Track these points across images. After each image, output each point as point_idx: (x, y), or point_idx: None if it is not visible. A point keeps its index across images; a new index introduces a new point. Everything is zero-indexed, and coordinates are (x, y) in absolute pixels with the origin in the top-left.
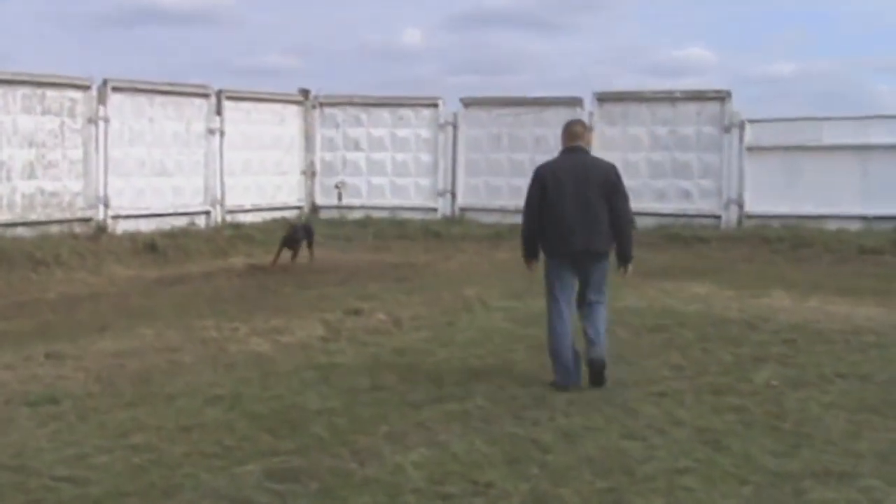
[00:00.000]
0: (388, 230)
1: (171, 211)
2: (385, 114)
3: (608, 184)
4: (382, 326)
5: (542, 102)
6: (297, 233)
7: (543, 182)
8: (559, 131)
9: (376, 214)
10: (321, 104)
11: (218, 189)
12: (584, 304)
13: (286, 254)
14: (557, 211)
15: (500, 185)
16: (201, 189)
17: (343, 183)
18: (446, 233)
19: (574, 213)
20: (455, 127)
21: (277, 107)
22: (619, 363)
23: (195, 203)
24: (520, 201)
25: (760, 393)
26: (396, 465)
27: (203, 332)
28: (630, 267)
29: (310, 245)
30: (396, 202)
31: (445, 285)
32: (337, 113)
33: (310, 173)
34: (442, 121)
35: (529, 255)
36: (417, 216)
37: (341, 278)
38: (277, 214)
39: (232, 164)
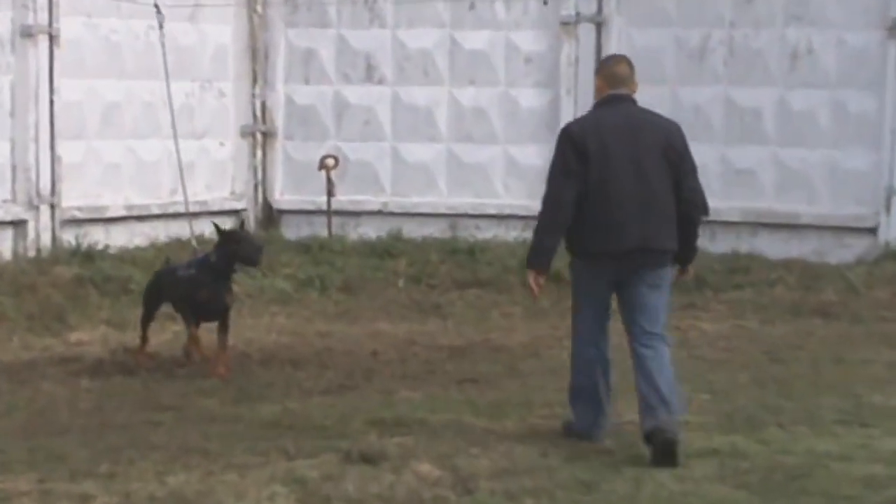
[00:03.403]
0: (443, 266)
1: None
2: None
3: (672, 150)
4: (429, 492)
5: None
6: (197, 287)
7: (583, 147)
8: (855, 38)
9: (414, 229)
10: None
11: (44, 170)
12: (634, 342)
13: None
14: (605, 190)
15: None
16: (5, 168)
17: (335, 159)
18: None
19: (628, 194)
20: (600, 27)
21: None
22: None
23: None
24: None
25: None
26: None
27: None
28: (691, 269)
29: (218, 311)
30: (462, 202)
31: None
32: None
33: (259, 134)
34: (571, 12)
35: (538, 262)
36: (511, 234)
37: (332, 378)
38: (186, 228)
39: (78, 111)
